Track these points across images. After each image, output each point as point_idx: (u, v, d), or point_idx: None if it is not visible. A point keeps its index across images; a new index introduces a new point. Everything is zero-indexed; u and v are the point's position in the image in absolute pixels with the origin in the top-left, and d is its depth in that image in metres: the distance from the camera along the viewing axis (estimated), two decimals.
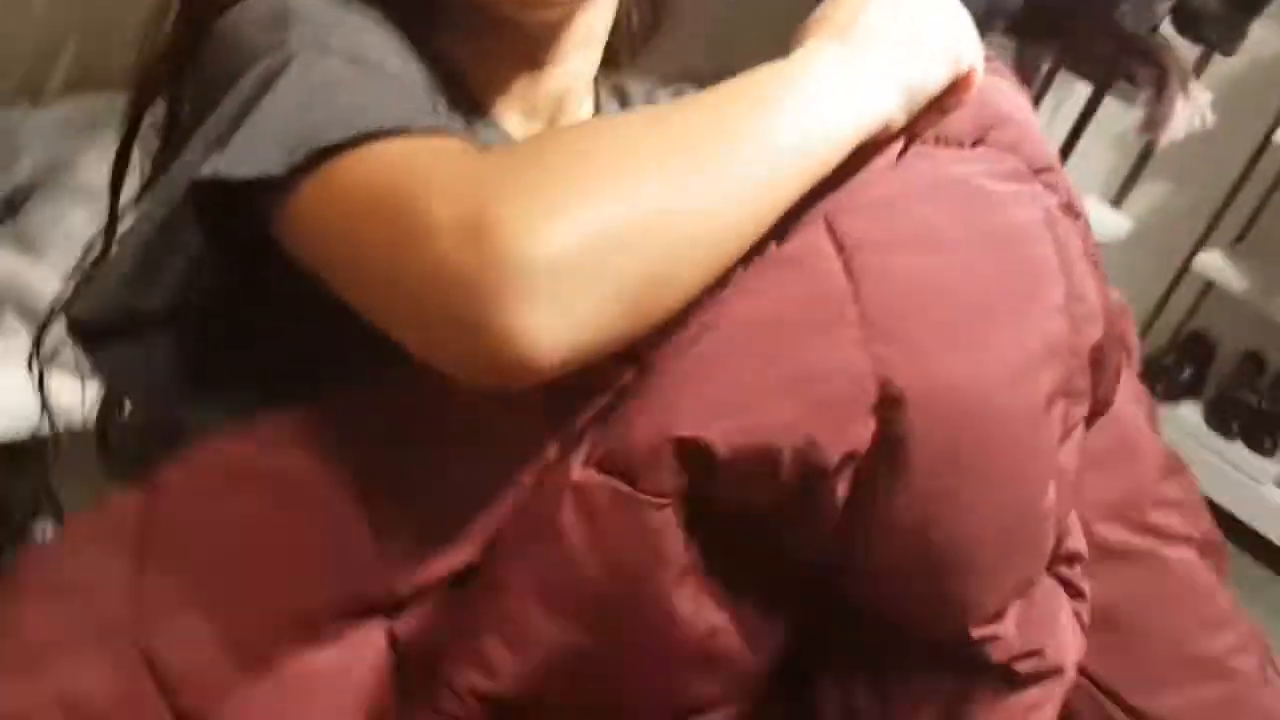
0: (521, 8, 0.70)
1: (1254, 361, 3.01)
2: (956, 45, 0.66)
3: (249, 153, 0.57)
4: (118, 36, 1.40)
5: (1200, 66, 2.77)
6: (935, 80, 0.64)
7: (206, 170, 0.57)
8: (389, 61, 0.64)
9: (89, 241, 0.80)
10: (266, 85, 0.60)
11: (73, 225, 1.23)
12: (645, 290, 0.52)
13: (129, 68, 0.77)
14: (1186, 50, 2.65)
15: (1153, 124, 2.52)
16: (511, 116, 0.75)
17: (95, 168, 1.27)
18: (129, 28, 1.39)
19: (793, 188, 0.58)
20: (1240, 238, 3.03)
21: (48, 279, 1.20)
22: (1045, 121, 3.07)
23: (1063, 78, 2.85)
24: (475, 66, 0.74)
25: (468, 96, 0.73)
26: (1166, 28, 2.28)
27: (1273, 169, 2.89)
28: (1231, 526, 2.73)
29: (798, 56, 0.61)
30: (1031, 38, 2.31)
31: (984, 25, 1.95)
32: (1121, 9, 1.82)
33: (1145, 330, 2.94)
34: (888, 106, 0.62)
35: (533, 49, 0.75)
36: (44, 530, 1.42)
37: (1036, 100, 3.01)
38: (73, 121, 1.33)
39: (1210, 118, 2.62)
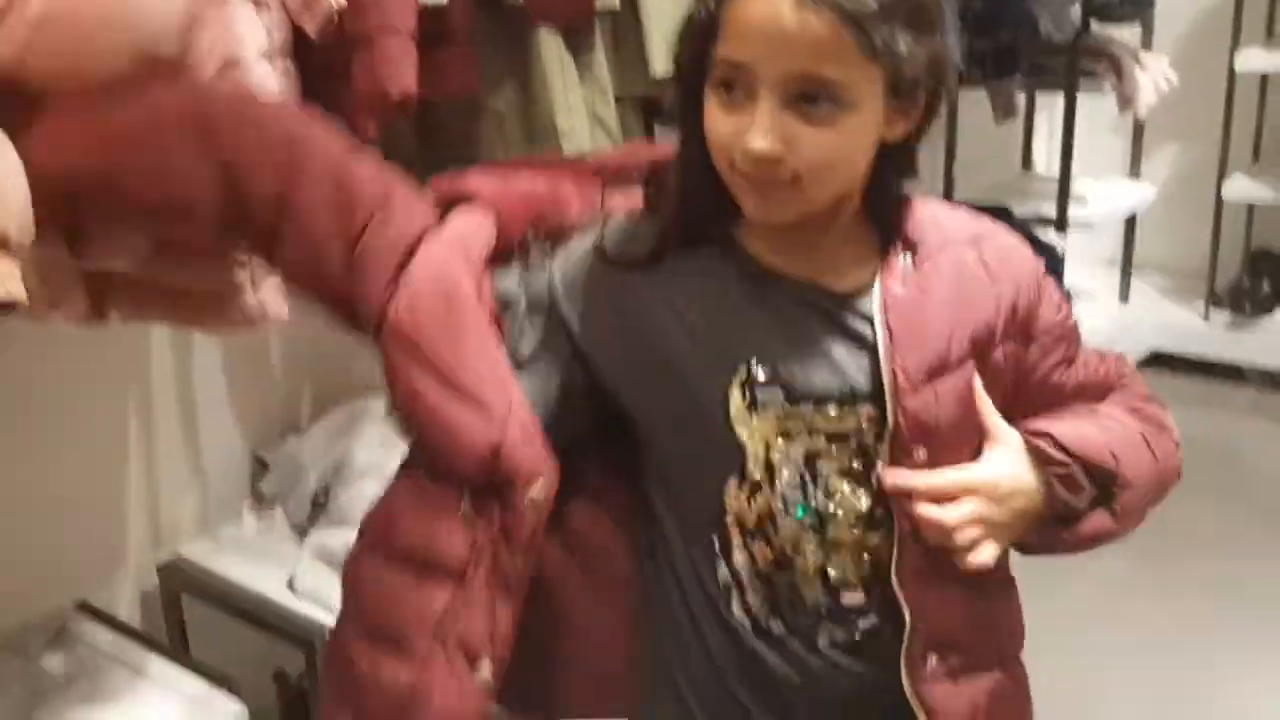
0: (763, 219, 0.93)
1: None
2: None
3: None
4: (341, 373, 1.86)
5: (1146, 39, 3.13)
6: None
7: None
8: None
9: None
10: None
11: (369, 494, 1.65)
12: None
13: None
14: (1128, 33, 3.03)
15: (1126, 100, 2.87)
16: (775, 261, 0.97)
17: (365, 453, 1.71)
18: (345, 364, 1.83)
19: None
20: (1255, 158, 3.31)
21: None
22: (1046, 137, 3.43)
23: (1042, 98, 3.22)
24: (760, 248, 0.97)
25: (757, 266, 0.97)
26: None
27: (1252, 90, 3.19)
28: None
29: None
30: (994, 78, 2.67)
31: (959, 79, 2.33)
32: (1044, 30, 2.17)
33: (1213, 262, 3.20)
34: None
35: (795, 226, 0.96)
36: None
37: (1029, 122, 3.40)
38: (332, 434, 1.77)
39: (1173, 75, 2.96)
